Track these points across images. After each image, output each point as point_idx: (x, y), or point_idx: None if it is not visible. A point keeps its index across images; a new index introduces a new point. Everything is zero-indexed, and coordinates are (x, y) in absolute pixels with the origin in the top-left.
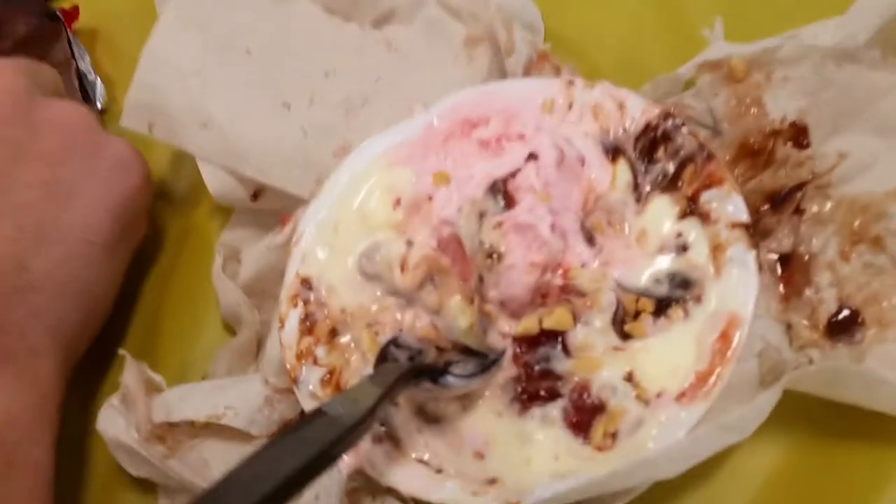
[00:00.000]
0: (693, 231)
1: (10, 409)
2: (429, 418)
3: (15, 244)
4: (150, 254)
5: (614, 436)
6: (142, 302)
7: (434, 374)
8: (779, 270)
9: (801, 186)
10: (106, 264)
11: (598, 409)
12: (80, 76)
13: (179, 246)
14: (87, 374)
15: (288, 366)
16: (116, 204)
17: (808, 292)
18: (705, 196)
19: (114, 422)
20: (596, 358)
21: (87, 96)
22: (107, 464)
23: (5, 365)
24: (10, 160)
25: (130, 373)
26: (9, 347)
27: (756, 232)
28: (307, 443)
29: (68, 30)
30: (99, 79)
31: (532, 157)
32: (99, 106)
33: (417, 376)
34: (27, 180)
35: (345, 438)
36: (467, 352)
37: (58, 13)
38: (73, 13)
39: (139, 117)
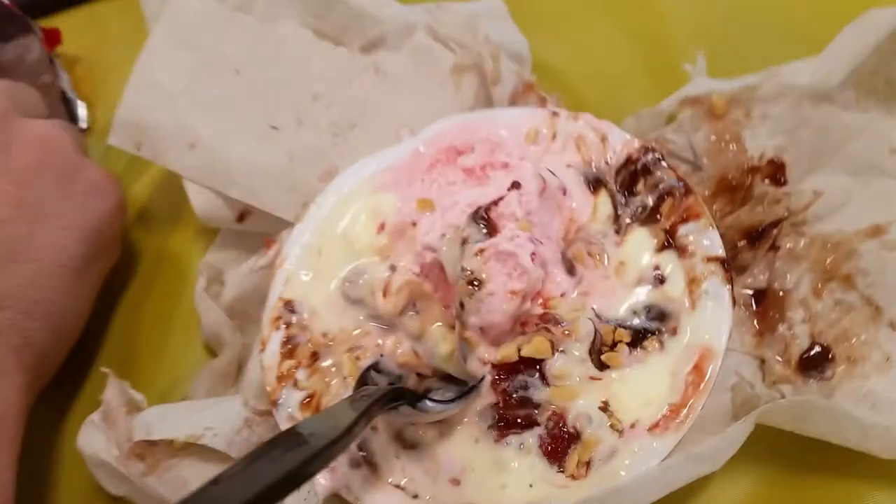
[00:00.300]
0: (670, 264)
1: None
2: (406, 444)
3: None
4: (132, 275)
5: (588, 464)
6: (123, 322)
7: (413, 398)
8: (753, 306)
9: (777, 223)
10: (76, 287)
11: (574, 438)
12: (64, 96)
13: (161, 267)
14: (64, 393)
15: (268, 388)
16: (89, 227)
17: (781, 328)
18: (683, 230)
19: (94, 439)
20: (573, 387)
21: (71, 116)
22: (84, 483)
23: None
24: None
25: (112, 390)
26: None
27: (732, 267)
28: (279, 462)
29: (48, 51)
30: (78, 98)
31: (515, 185)
32: (84, 125)
33: (396, 399)
34: (1, 197)
35: (316, 459)
36: (447, 378)
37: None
38: (54, 35)
39: (127, 136)
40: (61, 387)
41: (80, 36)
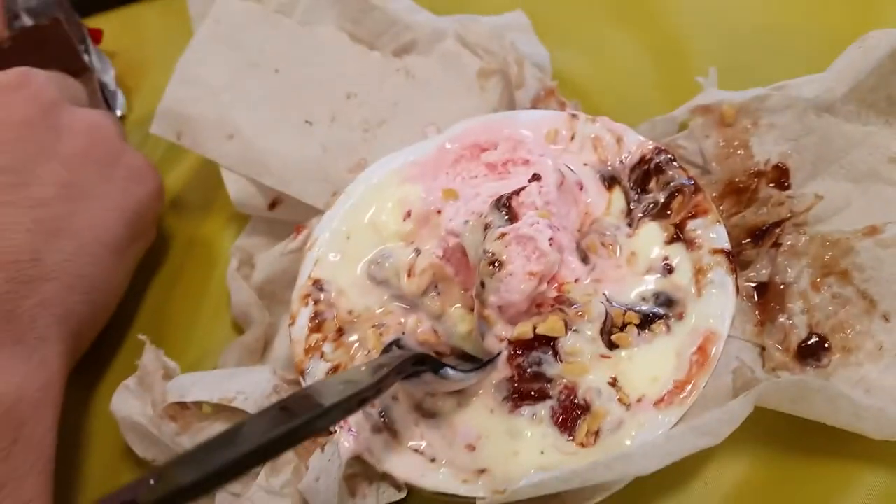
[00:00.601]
0: (678, 255)
1: (18, 389)
2: (425, 413)
3: (31, 236)
4: (167, 256)
5: (597, 434)
6: (156, 300)
7: (435, 365)
8: (756, 298)
9: (780, 223)
10: (114, 265)
11: (584, 409)
12: (102, 87)
13: (194, 250)
14: (98, 364)
15: (296, 359)
16: (129, 210)
17: (781, 318)
18: (691, 224)
19: (128, 402)
20: (584, 363)
21: (108, 105)
22: (111, 447)
23: (15, 348)
24: (34, 159)
25: (149, 356)
26: (20, 332)
27: (737, 261)
28: (288, 417)
29: (94, 46)
30: (120, 90)
31: (536, 177)
32: (119, 113)
33: (419, 364)
34: (47, 178)
35: (324, 416)
36: (464, 357)
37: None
38: (96, 34)
39: (169, 126)
40: (96, 359)
41: (121, 35)
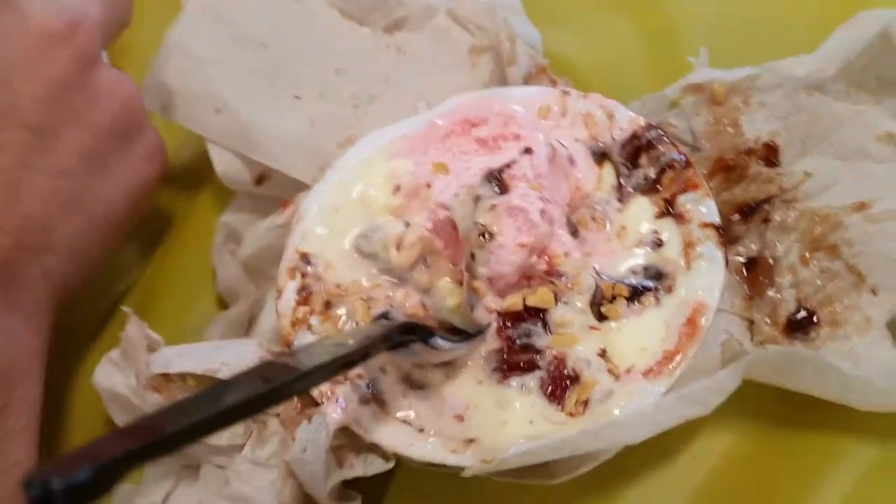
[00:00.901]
0: (668, 230)
1: (13, 354)
2: (414, 385)
3: (46, 206)
4: (152, 231)
5: (586, 403)
6: (140, 275)
7: (425, 334)
8: (745, 272)
9: (769, 199)
10: (113, 241)
11: (573, 379)
12: None
13: (179, 226)
14: (79, 338)
15: (283, 332)
16: (137, 189)
17: (770, 292)
18: (682, 199)
19: (111, 375)
20: (573, 334)
21: None
22: (92, 423)
23: (16, 314)
24: (63, 123)
25: (132, 327)
26: (19, 300)
27: (727, 237)
28: (276, 372)
29: None
30: None
31: (527, 150)
32: None
33: (408, 333)
34: (72, 147)
35: (309, 376)
36: (452, 331)
37: None
38: None
39: (155, 98)
40: (80, 333)
41: None
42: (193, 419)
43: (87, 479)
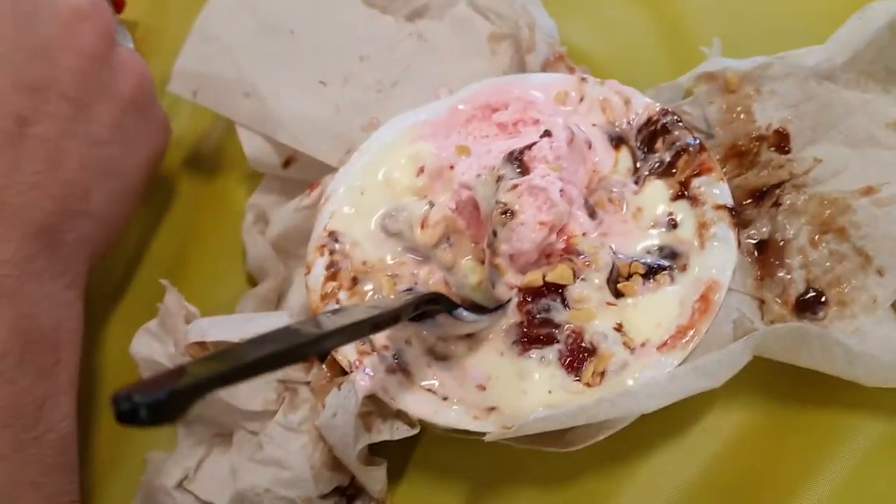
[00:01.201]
0: (683, 211)
1: (61, 314)
2: (438, 356)
3: (84, 172)
4: (185, 212)
5: (602, 374)
6: (174, 254)
7: (449, 305)
8: (756, 254)
9: (780, 185)
10: (133, 206)
11: (590, 352)
12: None
13: (211, 207)
14: (115, 311)
15: (312, 305)
16: (154, 157)
17: (780, 273)
18: (696, 182)
19: (148, 344)
20: (590, 309)
21: None
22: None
23: (60, 278)
24: (96, 95)
25: (171, 298)
26: (63, 265)
27: (739, 220)
28: (314, 325)
29: (115, 16)
30: None
31: (546, 133)
32: None
33: (433, 303)
34: (104, 118)
35: (344, 331)
36: (474, 307)
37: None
38: (119, 3)
39: (185, 84)
40: (111, 306)
41: (142, 3)
42: (251, 356)
43: (165, 399)
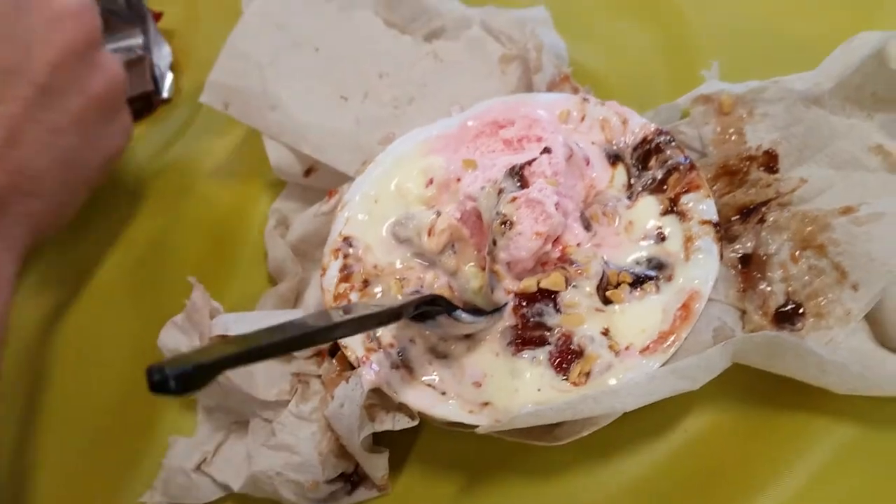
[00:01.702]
0: (671, 226)
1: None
2: (438, 355)
3: (40, 156)
4: (213, 215)
5: (588, 375)
6: (201, 253)
7: (449, 307)
8: (740, 267)
9: (766, 202)
10: (84, 197)
11: (577, 354)
12: (152, 68)
13: (237, 211)
14: (145, 305)
15: (326, 305)
16: (109, 158)
17: (762, 286)
18: (684, 199)
19: (175, 337)
20: (580, 314)
21: (156, 86)
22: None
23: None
24: (67, 87)
25: (197, 294)
26: (5, 230)
27: (726, 235)
28: (325, 317)
29: (154, 25)
30: (170, 73)
31: (546, 150)
32: (165, 95)
33: (433, 304)
34: (70, 109)
35: (348, 323)
36: (475, 310)
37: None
38: (156, 16)
39: (217, 96)
40: (144, 301)
41: (181, 14)
42: (266, 341)
43: (191, 371)
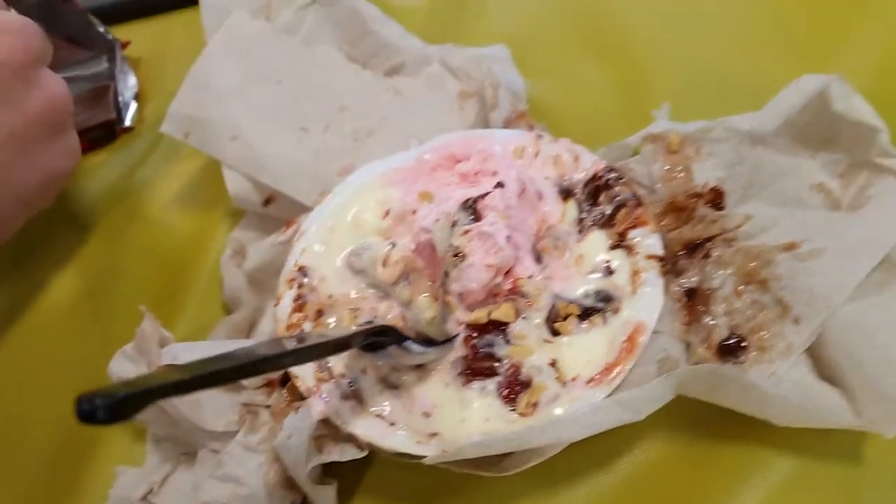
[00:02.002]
0: (619, 259)
1: None
2: (389, 385)
3: None
4: (170, 243)
5: (535, 405)
6: (156, 281)
7: (398, 338)
8: (685, 300)
9: (712, 238)
10: (20, 218)
11: (525, 385)
12: (116, 95)
13: (194, 240)
14: (93, 334)
15: (278, 334)
16: (52, 180)
17: (706, 319)
18: (632, 234)
19: (123, 366)
20: (529, 346)
21: (119, 115)
22: None
23: None
24: (2, 104)
25: (147, 323)
26: None
27: (672, 269)
28: (270, 347)
29: (120, 53)
30: (134, 103)
31: (500, 185)
32: (127, 124)
33: (382, 335)
34: (7, 127)
35: (295, 354)
36: (428, 341)
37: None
38: (124, 44)
39: (178, 126)
40: (98, 328)
41: (148, 43)
42: (209, 369)
43: (120, 400)
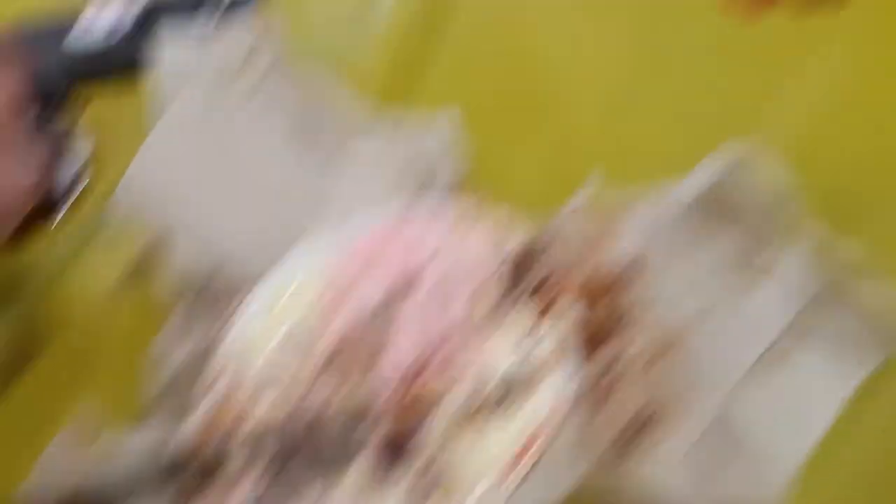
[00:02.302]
0: (536, 344)
1: None
2: None
3: None
4: (111, 320)
5: None
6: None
7: None
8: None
9: (623, 315)
10: None
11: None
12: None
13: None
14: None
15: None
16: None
17: (609, 405)
18: (551, 314)
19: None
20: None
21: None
22: None
23: None
24: None
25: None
26: None
27: (586, 347)
28: None
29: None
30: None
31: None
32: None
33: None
34: None
35: None
36: None
37: None
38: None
39: (126, 201)
40: None
41: (109, 108)
42: None
43: None
